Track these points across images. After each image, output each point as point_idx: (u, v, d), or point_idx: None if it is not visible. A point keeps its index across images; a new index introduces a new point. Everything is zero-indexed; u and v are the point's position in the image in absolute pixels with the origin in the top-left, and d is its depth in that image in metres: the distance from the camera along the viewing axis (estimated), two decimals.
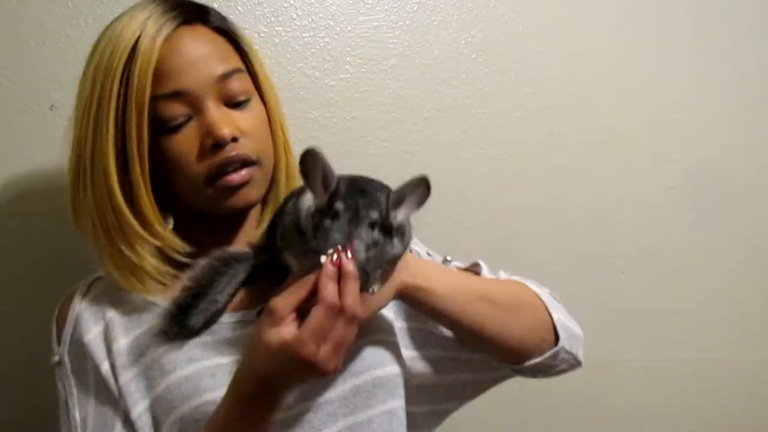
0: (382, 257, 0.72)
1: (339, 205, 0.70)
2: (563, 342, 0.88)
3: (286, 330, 0.68)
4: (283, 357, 0.69)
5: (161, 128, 0.84)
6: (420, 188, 0.71)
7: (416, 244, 0.97)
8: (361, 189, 0.72)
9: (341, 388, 0.81)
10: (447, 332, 0.92)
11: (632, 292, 1.42)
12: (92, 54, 0.87)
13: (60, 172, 1.14)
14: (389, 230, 0.72)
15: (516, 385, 0.97)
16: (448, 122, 1.31)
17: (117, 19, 0.87)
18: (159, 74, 0.83)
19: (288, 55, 1.22)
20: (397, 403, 0.84)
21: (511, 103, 1.35)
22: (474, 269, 0.92)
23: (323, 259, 0.68)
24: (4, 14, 1.13)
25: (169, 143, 0.84)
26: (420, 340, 0.91)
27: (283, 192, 0.93)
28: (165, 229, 0.87)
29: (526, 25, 1.35)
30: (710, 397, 1.45)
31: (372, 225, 0.70)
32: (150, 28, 0.83)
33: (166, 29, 0.84)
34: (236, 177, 0.84)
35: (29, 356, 1.04)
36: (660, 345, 1.43)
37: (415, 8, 1.31)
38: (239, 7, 1.21)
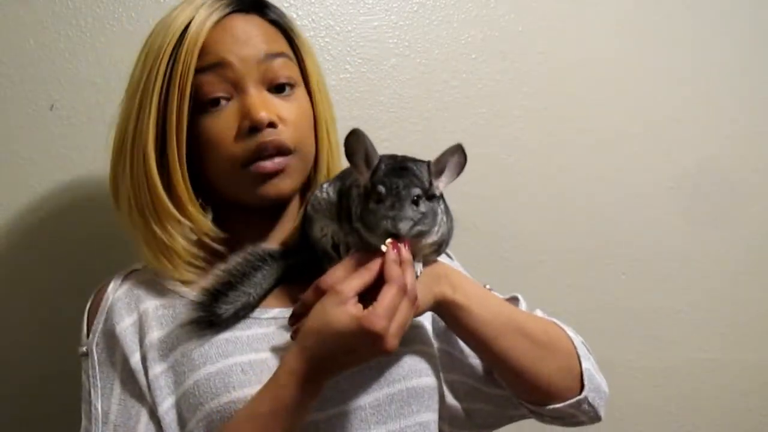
0: (432, 226, 0.76)
1: (381, 188, 0.73)
2: (588, 392, 0.86)
3: (355, 308, 0.71)
4: (353, 333, 0.70)
5: (201, 106, 0.84)
6: (456, 155, 0.76)
7: (458, 268, 0.97)
8: (400, 167, 0.75)
9: (376, 394, 0.80)
10: (473, 362, 0.92)
11: (632, 292, 1.42)
12: (146, 40, 0.88)
13: (61, 172, 1.15)
14: (433, 198, 0.76)
15: None
16: (448, 122, 1.31)
17: (174, 7, 0.87)
18: (204, 50, 0.83)
19: None
20: (431, 417, 0.84)
21: (511, 103, 1.35)
22: (512, 302, 0.91)
23: (383, 247, 0.73)
24: (4, 14, 1.13)
25: (208, 123, 0.84)
26: (445, 363, 0.91)
27: None
28: (199, 211, 0.86)
29: (526, 25, 1.35)
30: (710, 397, 1.45)
31: (415, 201, 0.74)
32: (202, 12, 0.84)
33: (218, 14, 0.84)
34: (269, 164, 0.83)
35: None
36: (660, 345, 1.43)
37: (415, 8, 1.31)
38: None
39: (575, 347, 0.89)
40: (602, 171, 1.40)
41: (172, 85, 0.82)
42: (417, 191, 0.74)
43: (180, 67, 0.82)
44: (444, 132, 1.31)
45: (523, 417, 0.94)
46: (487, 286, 0.91)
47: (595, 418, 0.90)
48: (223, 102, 0.84)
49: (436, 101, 1.31)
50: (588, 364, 0.88)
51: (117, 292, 0.88)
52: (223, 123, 0.84)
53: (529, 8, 1.36)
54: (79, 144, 1.15)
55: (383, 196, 0.73)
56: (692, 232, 1.44)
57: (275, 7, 0.92)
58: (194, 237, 0.86)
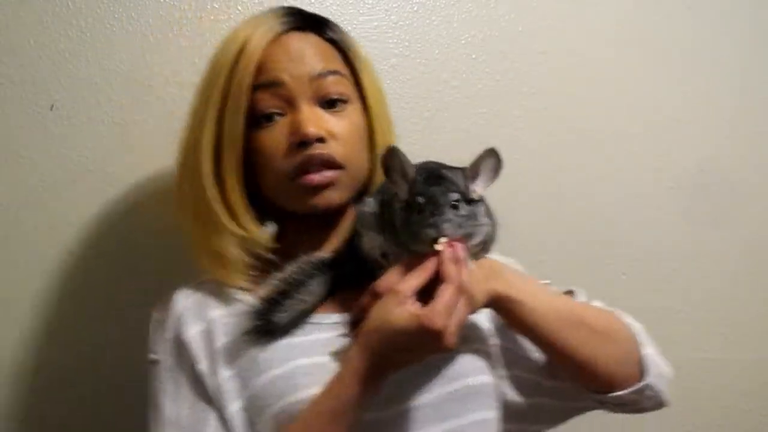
0: (476, 227, 0.79)
1: (420, 199, 0.76)
2: (649, 378, 0.87)
3: (414, 307, 0.73)
4: (414, 331, 0.72)
5: (255, 122, 0.88)
6: (491, 159, 0.79)
7: (512, 264, 1.00)
8: (436, 176, 0.78)
9: (435, 393, 0.82)
10: (535, 356, 0.93)
11: (632, 292, 1.42)
12: (211, 57, 0.92)
13: (61, 171, 1.15)
14: (473, 202, 0.79)
15: None
16: (448, 122, 1.31)
17: (237, 26, 0.92)
18: (260, 68, 0.87)
19: None
20: (490, 415, 0.85)
21: (511, 103, 1.35)
22: (569, 296, 0.93)
23: (439, 247, 0.75)
24: (4, 14, 1.13)
25: (261, 138, 0.88)
26: (508, 360, 0.92)
27: None
28: (253, 223, 0.90)
29: (526, 25, 1.35)
30: (710, 397, 1.45)
31: (455, 205, 0.76)
32: (260, 30, 0.88)
33: (274, 31, 0.89)
34: (316, 177, 0.87)
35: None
36: (660, 345, 1.43)
37: (415, 8, 1.31)
38: (239, 7, 1.21)
39: (634, 334, 0.90)
40: (602, 171, 1.40)
41: (229, 101, 0.87)
42: (455, 196, 0.77)
43: (236, 84, 0.86)
44: (444, 132, 1.31)
45: (587, 409, 0.95)
46: (546, 282, 0.93)
47: (660, 403, 0.91)
48: (276, 117, 0.88)
49: (436, 101, 1.31)
50: (648, 350, 0.89)
51: (185, 301, 0.91)
52: (275, 138, 0.88)
53: (529, 8, 1.35)
54: (79, 144, 1.15)
55: (423, 206, 0.76)
56: (692, 232, 1.44)
57: (334, 26, 0.96)
58: (249, 247, 0.90)
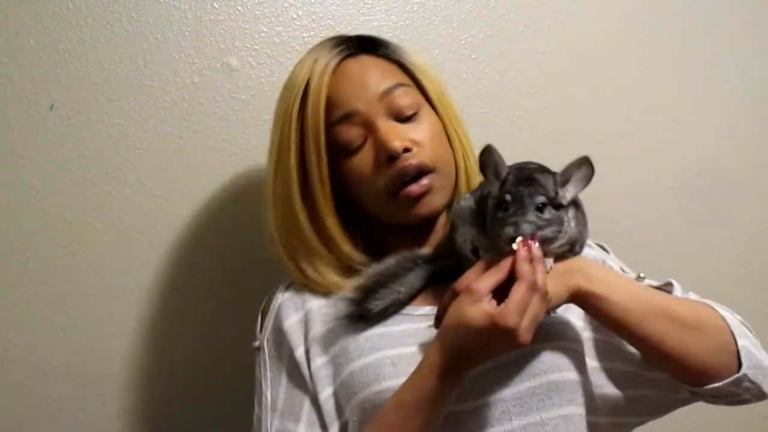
0: (558, 232, 0.80)
1: (507, 197, 0.79)
2: (746, 370, 0.86)
3: (489, 306, 0.75)
4: (487, 329, 0.74)
5: (341, 152, 0.93)
6: (583, 167, 0.83)
7: (611, 260, 1.03)
8: (527, 177, 0.80)
9: (517, 387, 0.84)
10: (633, 348, 0.93)
11: None
12: (277, 104, 0.97)
13: (60, 171, 1.15)
14: (561, 207, 0.81)
15: None
16: None
17: (293, 69, 0.97)
18: (329, 104, 0.92)
19: (288, 55, 1.22)
20: (574, 410, 0.85)
21: (511, 103, 1.35)
22: (666, 288, 0.93)
23: (515, 246, 0.77)
24: (4, 14, 1.13)
25: (350, 165, 0.93)
26: (604, 352, 0.93)
27: None
28: (352, 248, 0.95)
29: (526, 25, 1.35)
30: None
31: (540, 208, 0.78)
32: (317, 68, 0.93)
33: (332, 65, 0.93)
34: (416, 188, 0.91)
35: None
36: None
37: (415, 8, 1.31)
38: (239, 7, 1.21)
39: (729, 326, 0.89)
40: (602, 171, 1.39)
41: (306, 142, 0.92)
42: (541, 199, 0.78)
43: (310, 125, 0.91)
44: None
45: (685, 402, 0.95)
46: (641, 275, 0.95)
47: (760, 395, 0.90)
48: (359, 143, 0.92)
49: None
50: (744, 342, 0.88)
51: (286, 293, 0.98)
52: (364, 161, 0.92)
53: (529, 8, 1.36)
54: (79, 144, 1.15)
55: (508, 204, 0.78)
56: (692, 232, 1.44)
57: (384, 41, 1.00)
58: (344, 269, 0.95)
